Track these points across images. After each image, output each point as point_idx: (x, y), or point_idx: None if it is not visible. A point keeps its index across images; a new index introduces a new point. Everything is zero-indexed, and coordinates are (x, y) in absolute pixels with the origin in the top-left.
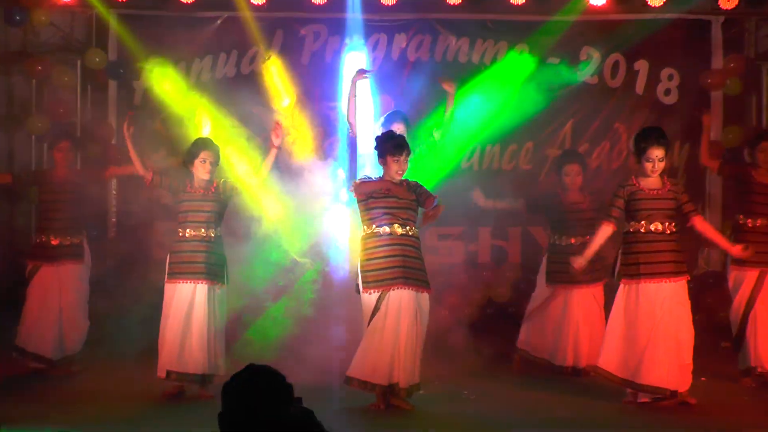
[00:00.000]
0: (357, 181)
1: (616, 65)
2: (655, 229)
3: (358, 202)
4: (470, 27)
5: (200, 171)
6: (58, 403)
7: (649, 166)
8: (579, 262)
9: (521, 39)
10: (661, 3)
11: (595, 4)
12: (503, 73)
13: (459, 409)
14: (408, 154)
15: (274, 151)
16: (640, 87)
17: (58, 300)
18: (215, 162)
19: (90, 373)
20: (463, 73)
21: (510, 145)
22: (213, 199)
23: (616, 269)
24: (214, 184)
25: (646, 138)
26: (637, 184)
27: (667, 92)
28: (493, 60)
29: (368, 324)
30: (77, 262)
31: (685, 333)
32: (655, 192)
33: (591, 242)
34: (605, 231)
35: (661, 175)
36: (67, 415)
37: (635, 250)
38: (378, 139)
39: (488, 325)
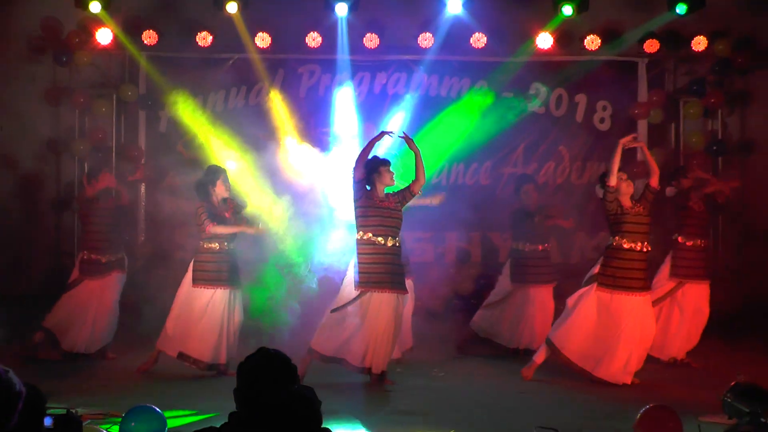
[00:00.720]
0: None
1: (560, 98)
2: (636, 247)
3: (357, 206)
4: (439, 66)
5: (222, 190)
6: (96, 381)
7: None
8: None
9: (481, 76)
10: (597, 47)
11: (542, 48)
12: (467, 105)
13: (430, 384)
14: None
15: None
16: (579, 116)
17: (95, 304)
18: (228, 182)
19: (122, 357)
20: (434, 105)
21: (472, 163)
22: (234, 218)
23: (592, 273)
24: (231, 203)
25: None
26: (622, 206)
27: (602, 120)
28: (458, 94)
29: (336, 307)
30: (121, 271)
31: (647, 340)
32: (635, 210)
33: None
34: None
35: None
36: (107, 391)
37: (614, 264)
38: (367, 162)
39: (454, 314)
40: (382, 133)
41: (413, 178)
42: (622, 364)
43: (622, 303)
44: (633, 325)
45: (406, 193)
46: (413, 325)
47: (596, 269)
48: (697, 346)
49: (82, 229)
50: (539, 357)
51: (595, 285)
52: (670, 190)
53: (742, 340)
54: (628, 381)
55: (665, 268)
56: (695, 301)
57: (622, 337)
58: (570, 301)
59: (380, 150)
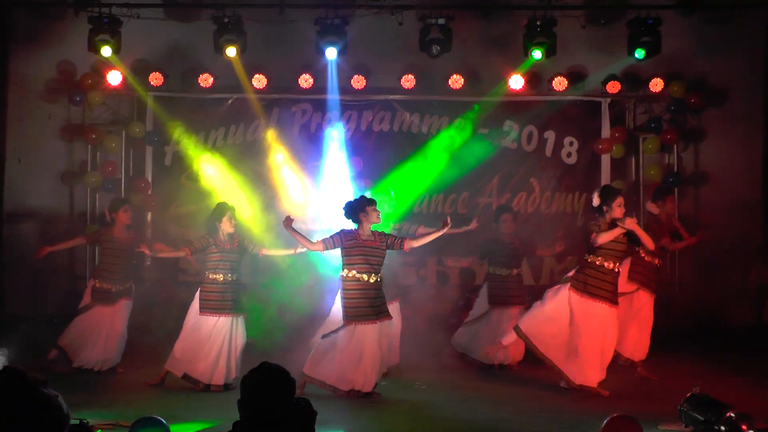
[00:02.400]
0: (341, 232)
1: (530, 134)
2: (608, 266)
3: (342, 248)
4: (420, 105)
5: (227, 226)
6: (105, 394)
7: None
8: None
9: (459, 114)
10: (564, 87)
11: (514, 88)
12: (445, 140)
13: (412, 396)
14: None
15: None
16: (548, 151)
17: (107, 327)
18: (235, 218)
19: (130, 372)
20: (415, 141)
21: (451, 194)
22: (237, 252)
23: (568, 275)
24: (236, 238)
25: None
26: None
27: (569, 155)
28: (438, 130)
29: (327, 334)
30: (129, 298)
31: (608, 348)
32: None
33: None
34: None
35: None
36: (116, 403)
37: (587, 272)
38: (352, 202)
39: (434, 332)
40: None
41: (410, 235)
42: (587, 366)
43: (588, 307)
44: (595, 331)
45: (396, 245)
46: (402, 344)
47: (569, 274)
48: (654, 360)
49: (100, 259)
50: (507, 340)
51: (568, 284)
52: (652, 207)
53: (696, 356)
54: (593, 385)
55: (624, 274)
56: (645, 307)
57: (583, 339)
58: (549, 292)
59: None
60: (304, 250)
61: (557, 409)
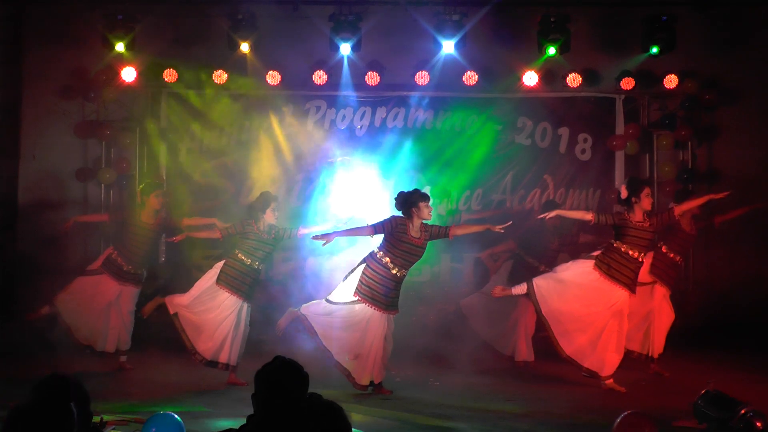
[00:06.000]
0: (392, 219)
1: (544, 131)
2: (633, 254)
3: (388, 235)
4: (434, 102)
5: (270, 217)
6: (119, 390)
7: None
8: (548, 214)
9: (473, 111)
10: (578, 84)
11: (528, 85)
12: (460, 138)
13: (426, 393)
14: None
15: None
16: (562, 147)
17: (112, 305)
18: (278, 210)
19: (140, 368)
20: (429, 138)
21: (465, 191)
22: (272, 243)
23: (592, 254)
24: (274, 231)
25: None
26: (628, 217)
27: (583, 151)
28: (451, 127)
29: (332, 300)
30: (136, 286)
31: (620, 333)
32: (643, 224)
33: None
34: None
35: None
36: (129, 399)
37: (611, 256)
38: (405, 194)
39: (448, 329)
40: None
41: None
42: (607, 355)
43: (607, 289)
44: (608, 313)
45: (441, 233)
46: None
47: (595, 253)
48: (667, 355)
49: (123, 239)
50: (516, 290)
51: (593, 261)
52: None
53: (710, 352)
54: (609, 374)
55: (645, 266)
56: (664, 302)
57: (595, 322)
58: (567, 264)
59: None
60: (348, 225)
61: (568, 407)
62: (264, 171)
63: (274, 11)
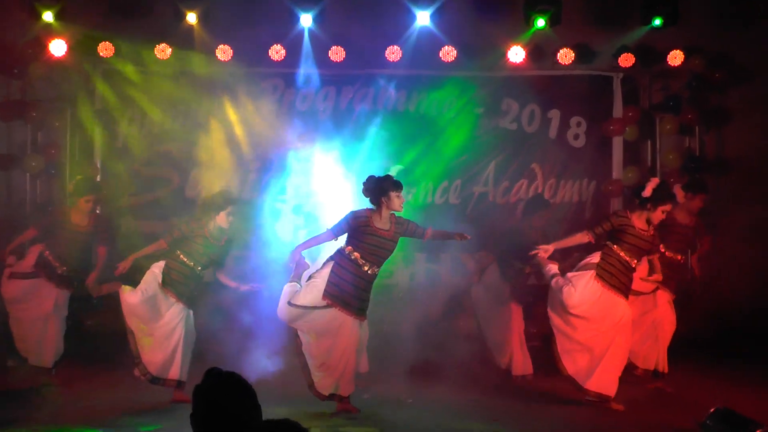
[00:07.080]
0: (350, 216)
1: (532, 114)
2: (629, 261)
3: (351, 231)
4: (406, 81)
5: (223, 220)
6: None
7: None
8: (545, 248)
9: (451, 91)
10: (570, 61)
11: (514, 62)
12: (436, 121)
13: (399, 411)
14: None
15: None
16: (552, 132)
17: (54, 317)
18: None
19: (69, 383)
20: (402, 121)
21: (442, 182)
22: (219, 250)
23: (590, 261)
24: (225, 237)
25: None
26: (630, 219)
27: (576, 137)
28: (426, 109)
29: (296, 303)
30: (70, 290)
31: (625, 353)
32: (643, 233)
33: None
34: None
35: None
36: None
37: (609, 261)
38: (375, 179)
39: (423, 338)
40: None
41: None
42: (606, 374)
43: (611, 303)
44: (613, 330)
45: (417, 233)
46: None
47: (593, 258)
48: (669, 368)
49: (56, 235)
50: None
51: (593, 272)
52: (679, 192)
53: (719, 364)
54: (611, 394)
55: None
56: (665, 310)
57: (602, 340)
58: (570, 274)
59: None
60: (305, 227)
61: (565, 425)
62: (214, 159)
63: None
